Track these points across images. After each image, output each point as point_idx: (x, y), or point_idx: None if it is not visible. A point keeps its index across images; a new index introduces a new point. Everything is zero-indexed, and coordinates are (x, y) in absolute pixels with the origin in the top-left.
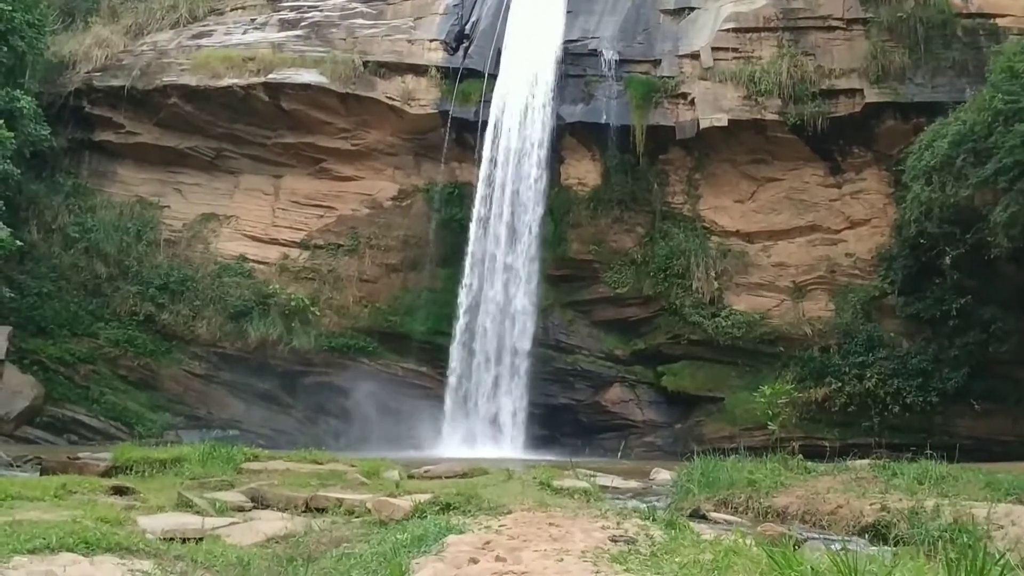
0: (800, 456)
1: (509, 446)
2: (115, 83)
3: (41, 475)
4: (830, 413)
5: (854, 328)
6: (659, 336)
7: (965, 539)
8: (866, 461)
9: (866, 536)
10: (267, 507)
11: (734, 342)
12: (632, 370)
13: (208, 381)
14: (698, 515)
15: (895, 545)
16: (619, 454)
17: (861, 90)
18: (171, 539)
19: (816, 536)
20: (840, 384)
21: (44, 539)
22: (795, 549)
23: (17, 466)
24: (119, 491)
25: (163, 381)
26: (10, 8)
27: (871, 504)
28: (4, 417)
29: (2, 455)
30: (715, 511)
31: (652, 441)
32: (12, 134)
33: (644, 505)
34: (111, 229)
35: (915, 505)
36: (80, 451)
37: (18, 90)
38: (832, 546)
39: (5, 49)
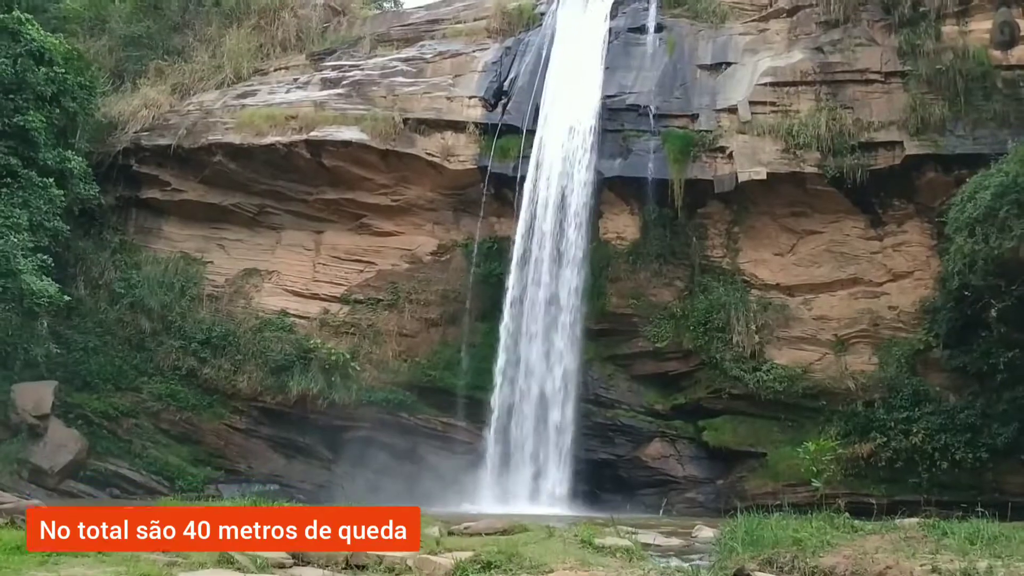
0: (846, 513)
1: (549, 502)
2: (162, 142)
3: None
4: (876, 469)
5: (899, 382)
6: (699, 390)
7: None
8: (915, 519)
9: None
10: (308, 564)
11: (776, 396)
12: (672, 425)
13: (249, 435)
14: (743, 575)
15: None
16: (660, 511)
17: (901, 143)
18: None
19: None
20: (886, 439)
21: None
22: None
23: None
24: None
25: (204, 435)
26: (63, 71)
27: (922, 565)
28: (48, 471)
29: None
30: (760, 571)
31: (693, 497)
32: (62, 192)
33: (687, 564)
34: (156, 285)
35: (967, 566)
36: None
37: (69, 150)
38: None
39: (58, 111)
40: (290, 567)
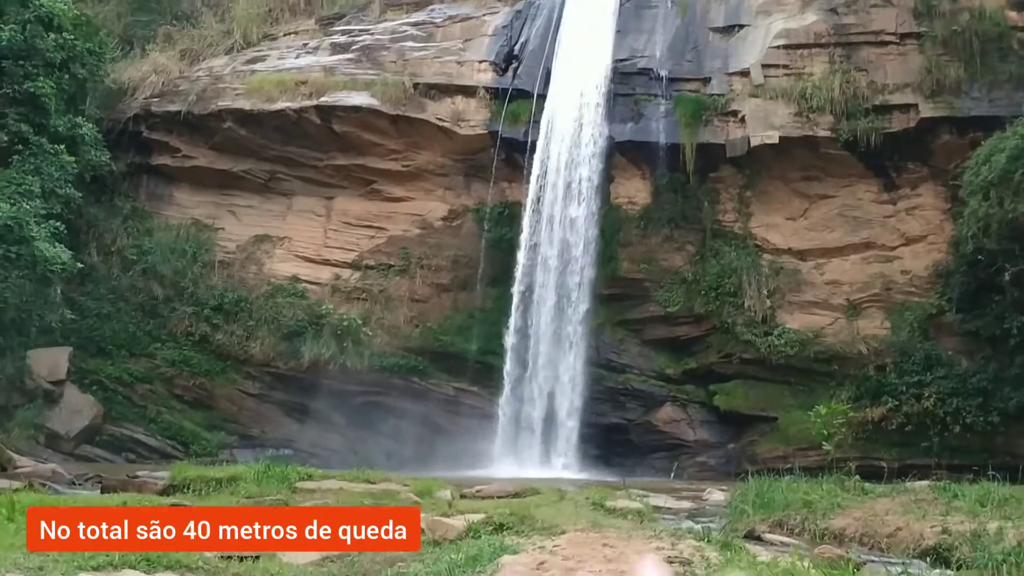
0: (857, 477)
1: (560, 465)
2: (172, 108)
3: (101, 493)
4: (887, 433)
5: (911, 346)
6: (711, 355)
7: None
8: (926, 482)
9: (927, 559)
10: None
11: (787, 361)
12: (683, 389)
13: (262, 400)
14: (753, 536)
15: (957, 569)
16: (671, 474)
17: (916, 105)
18: (229, 557)
19: (875, 559)
20: (897, 403)
21: (107, 556)
22: (854, 572)
23: (78, 484)
24: None
25: (218, 400)
26: (72, 37)
27: (932, 526)
28: (65, 436)
29: (64, 473)
30: (770, 532)
31: (704, 461)
32: (74, 159)
33: (698, 526)
34: (168, 251)
35: (977, 528)
36: (138, 469)
37: (80, 117)
38: (892, 569)
39: (67, 77)
40: None
